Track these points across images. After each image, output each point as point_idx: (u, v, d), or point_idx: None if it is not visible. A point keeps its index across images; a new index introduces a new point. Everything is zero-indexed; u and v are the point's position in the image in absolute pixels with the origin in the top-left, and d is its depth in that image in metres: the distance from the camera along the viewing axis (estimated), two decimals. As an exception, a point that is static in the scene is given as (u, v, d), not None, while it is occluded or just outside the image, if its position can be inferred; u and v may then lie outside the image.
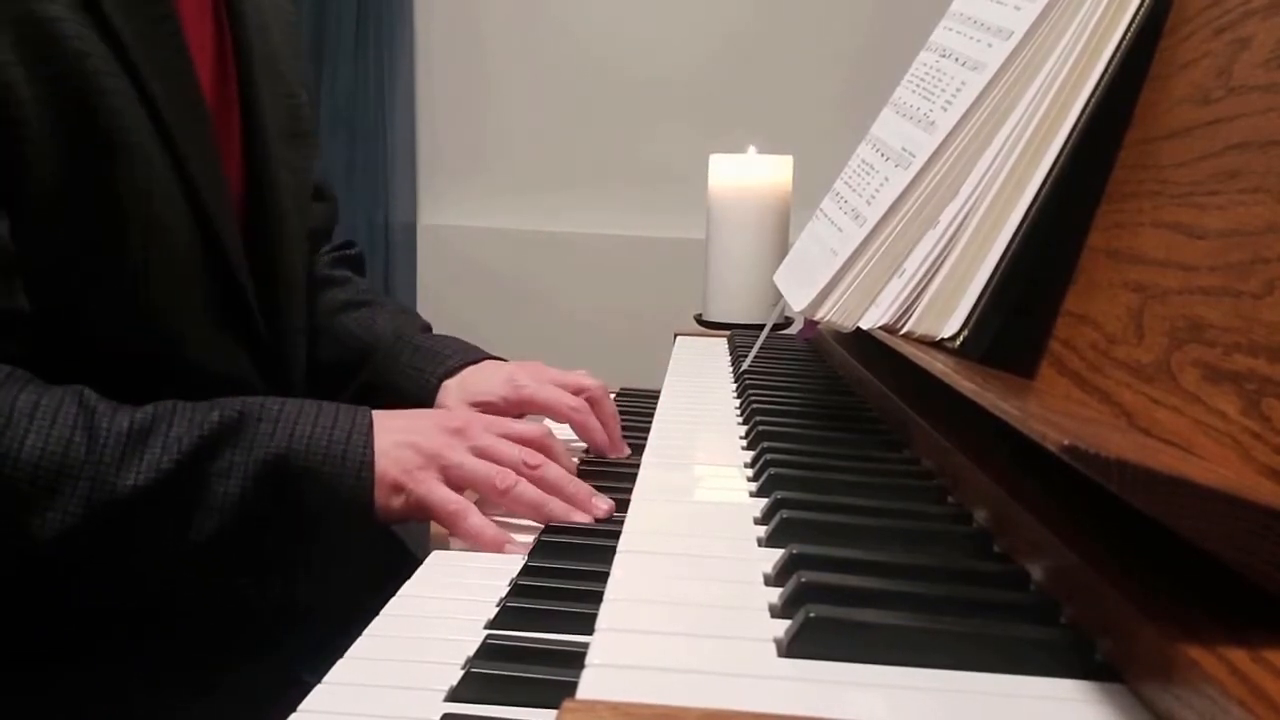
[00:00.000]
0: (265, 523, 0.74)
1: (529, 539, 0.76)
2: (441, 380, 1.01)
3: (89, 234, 0.78)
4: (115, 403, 0.75)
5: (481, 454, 0.80)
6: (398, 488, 0.77)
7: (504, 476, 0.78)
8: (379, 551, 0.97)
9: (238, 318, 0.88)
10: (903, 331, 0.71)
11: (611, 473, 0.89)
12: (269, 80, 0.97)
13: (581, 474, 0.90)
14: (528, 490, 0.78)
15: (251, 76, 0.93)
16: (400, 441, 0.78)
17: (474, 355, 1.05)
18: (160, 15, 0.81)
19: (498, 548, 0.75)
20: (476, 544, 0.76)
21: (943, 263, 0.71)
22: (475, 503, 0.79)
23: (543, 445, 0.82)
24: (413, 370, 1.03)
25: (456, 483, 0.79)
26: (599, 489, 0.85)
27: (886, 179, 0.76)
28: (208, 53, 0.90)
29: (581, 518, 0.77)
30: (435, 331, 1.15)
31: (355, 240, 1.28)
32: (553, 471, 0.80)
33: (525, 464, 0.79)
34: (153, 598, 0.78)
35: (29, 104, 0.74)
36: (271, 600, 0.76)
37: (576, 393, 0.98)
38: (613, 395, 1.21)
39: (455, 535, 0.77)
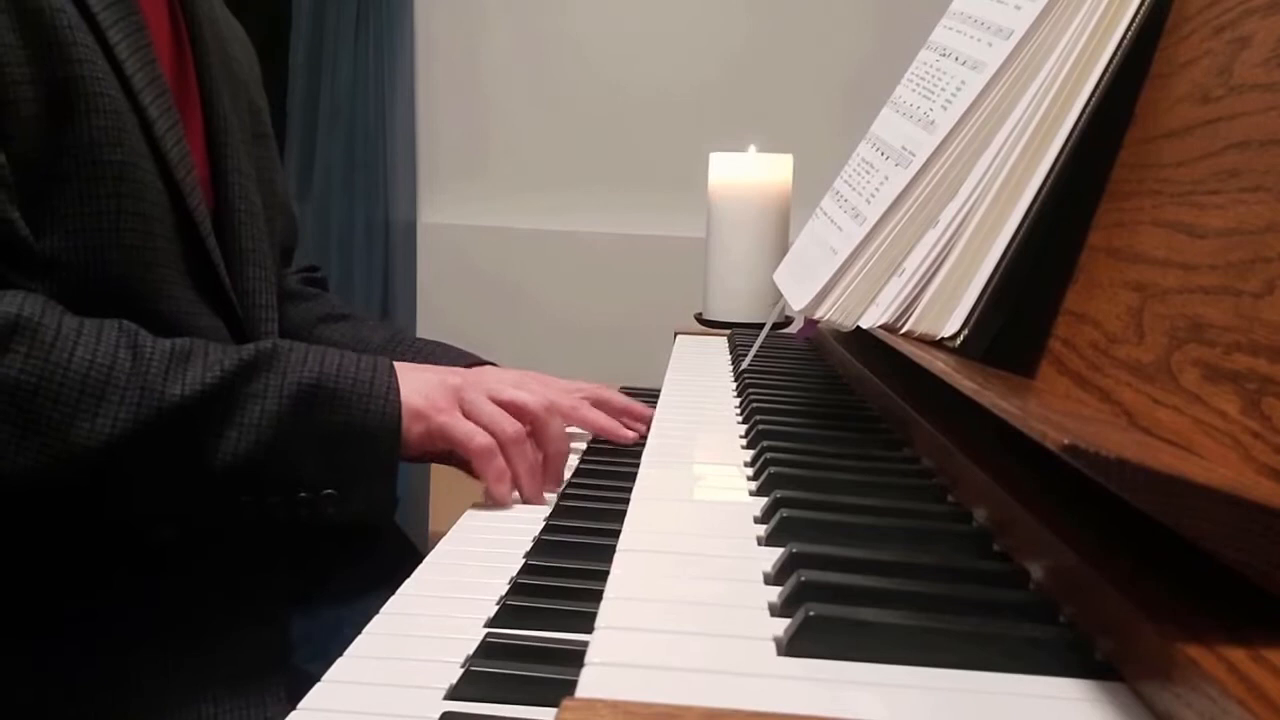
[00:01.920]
0: (297, 443, 0.78)
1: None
2: None
3: (61, 176, 0.79)
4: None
5: (496, 399, 0.85)
6: (420, 414, 0.81)
7: (516, 425, 0.84)
8: (385, 549, 0.98)
9: (207, 283, 0.90)
10: (903, 331, 0.71)
11: (611, 472, 0.89)
12: (228, 81, 1.00)
13: (584, 470, 0.91)
14: (530, 449, 0.85)
15: (209, 72, 0.96)
16: (421, 378, 0.84)
17: (476, 359, 1.07)
18: None
19: (504, 498, 0.82)
20: (498, 486, 0.82)
21: (943, 262, 0.71)
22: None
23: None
24: None
25: (473, 417, 0.84)
26: (598, 486, 0.86)
27: (886, 178, 0.76)
28: (165, 45, 0.92)
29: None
30: (433, 331, 1.16)
31: (353, 238, 1.29)
32: (554, 427, 0.87)
33: (539, 407, 0.86)
34: (189, 511, 0.81)
35: (8, 49, 0.76)
36: (299, 522, 0.79)
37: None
38: (613, 394, 1.22)
39: (478, 471, 0.83)
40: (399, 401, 0.80)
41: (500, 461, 0.82)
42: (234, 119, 0.98)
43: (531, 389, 0.98)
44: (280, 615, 0.92)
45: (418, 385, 0.82)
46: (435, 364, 1.04)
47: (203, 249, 0.88)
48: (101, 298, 0.80)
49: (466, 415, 0.84)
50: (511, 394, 0.86)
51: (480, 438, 0.82)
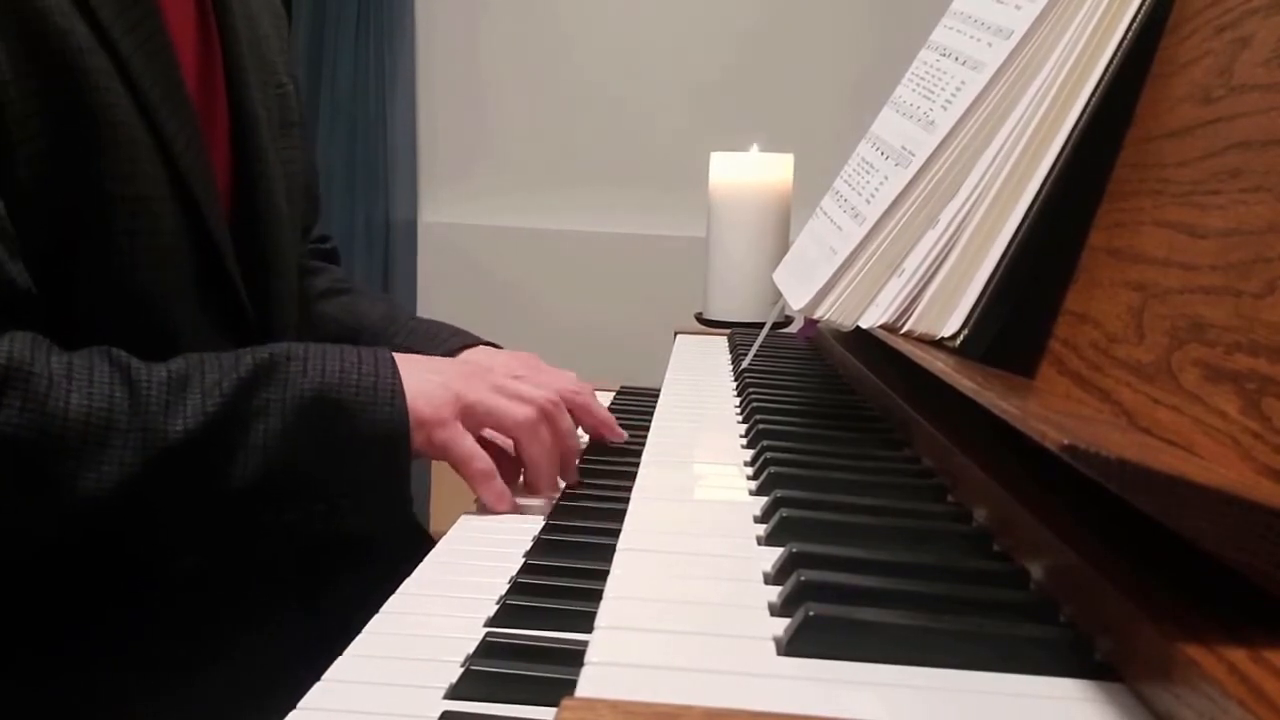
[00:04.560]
0: (306, 456, 0.77)
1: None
2: None
3: (72, 216, 0.77)
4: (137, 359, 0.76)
5: (501, 391, 0.83)
6: (424, 423, 0.79)
7: (526, 410, 0.82)
8: (386, 548, 0.98)
9: (225, 305, 0.88)
10: (903, 331, 0.71)
11: (611, 472, 0.89)
12: (258, 69, 0.96)
13: (583, 469, 0.90)
14: (546, 433, 0.83)
15: (239, 65, 0.93)
16: (425, 378, 0.81)
17: (469, 339, 1.06)
18: None
19: (513, 510, 0.81)
20: (497, 506, 0.81)
21: (943, 262, 0.71)
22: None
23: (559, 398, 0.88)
24: (408, 352, 1.03)
25: (480, 421, 0.82)
26: (598, 486, 0.85)
27: (886, 178, 0.76)
28: (190, 40, 0.89)
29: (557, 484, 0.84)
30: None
31: (353, 237, 1.28)
32: (565, 422, 0.85)
33: (548, 402, 0.84)
34: (212, 538, 0.80)
35: (12, 84, 0.73)
36: (319, 533, 0.78)
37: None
38: (613, 394, 1.21)
39: (477, 493, 0.82)
40: (405, 405, 0.79)
41: (499, 484, 0.80)
42: (262, 113, 0.94)
43: (528, 375, 0.97)
44: (283, 616, 0.92)
45: (422, 388, 0.80)
46: (432, 341, 1.04)
47: (221, 269, 0.86)
48: (115, 333, 0.78)
49: (469, 427, 0.81)
50: (516, 388, 0.84)
51: (479, 462, 0.80)
